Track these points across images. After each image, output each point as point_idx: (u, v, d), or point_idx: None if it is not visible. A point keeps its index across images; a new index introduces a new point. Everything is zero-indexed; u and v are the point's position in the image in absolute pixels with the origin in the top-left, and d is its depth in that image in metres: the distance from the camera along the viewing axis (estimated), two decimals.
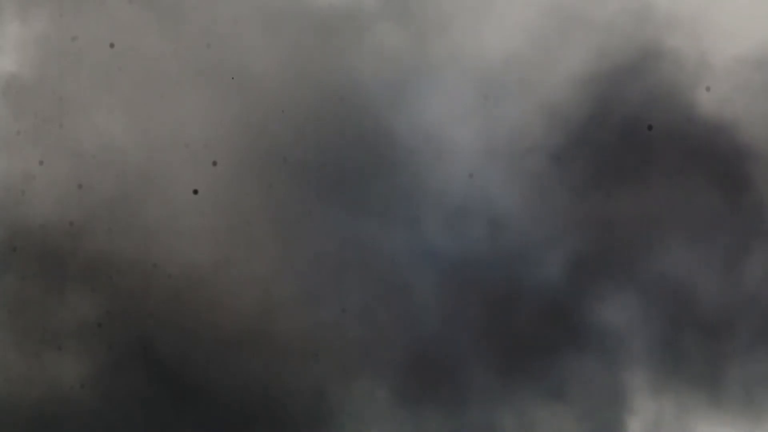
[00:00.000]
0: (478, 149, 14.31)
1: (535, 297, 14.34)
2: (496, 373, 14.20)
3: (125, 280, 14.34)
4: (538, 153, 14.39)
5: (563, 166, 14.36)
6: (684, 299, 14.35)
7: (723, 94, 14.43)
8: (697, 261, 14.34)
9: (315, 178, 14.36)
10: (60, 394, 14.21)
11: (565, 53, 14.45)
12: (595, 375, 14.22)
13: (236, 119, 14.35)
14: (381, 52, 14.38)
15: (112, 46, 14.59)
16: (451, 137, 14.33)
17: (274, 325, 14.18)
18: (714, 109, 14.46)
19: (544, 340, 14.25)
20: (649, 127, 14.47)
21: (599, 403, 14.21)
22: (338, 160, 14.31)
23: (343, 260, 14.25)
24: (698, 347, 14.27)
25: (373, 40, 14.43)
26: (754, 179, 14.45)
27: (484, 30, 14.47)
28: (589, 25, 14.46)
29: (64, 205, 14.43)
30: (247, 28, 14.45)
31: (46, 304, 14.33)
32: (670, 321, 14.30)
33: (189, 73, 14.43)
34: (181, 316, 14.30)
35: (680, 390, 14.26)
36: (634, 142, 14.37)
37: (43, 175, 14.47)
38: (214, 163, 14.41)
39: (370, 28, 14.44)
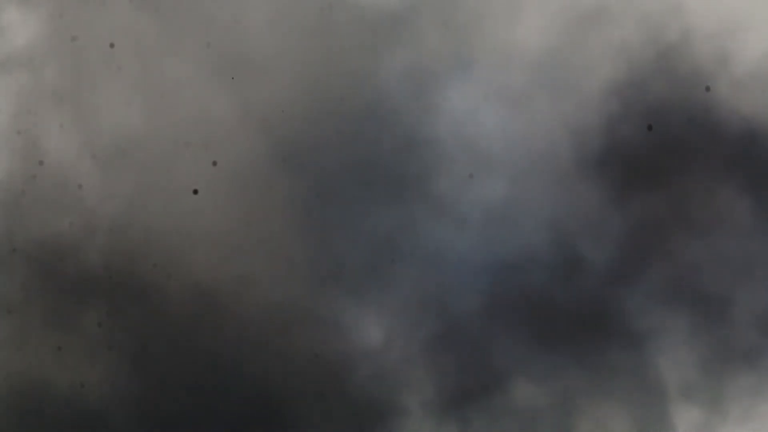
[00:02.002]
0: (510, 150, 14.30)
1: (578, 296, 14.40)
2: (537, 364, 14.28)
3: (125, 280, 14.33)
4: (575, 154, 14.39)
5: (602, 167, 14.38)
6: (722, 296, 14.40)
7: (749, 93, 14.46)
8: (736, 260, 14.38)
9: (346, 182, 14.36)
10: (60, 394, 14.21)
11: (598, 51, 14.44)
12: (639, 368, 14.28)
13: (267, 120, 14.32)
14: (415, 50, 14.37)
15: (112, 46, 14.58)
16: (483, 137, 14.34)
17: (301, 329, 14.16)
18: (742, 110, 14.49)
19: (587, 337, 14.31)
20: (649, 127, 14.47)
21: (645, 396, 14.28)
22: (371, 162, 14.31)
23: (382, 261, 14.28)
24: (740, 338, 14.32)
25: (406, 37, 14.42)
26: None
27: (519, 27, 14.46)
28: (620, 22, 14.45)
29: (64, 205, 14.42)
30: (279, 27, 14.42)
31: (46, 304, 14.33)
32: (711, 316, 14.35)
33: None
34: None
35: (723, 381, 14.32)
36: (665, 141, 14.38)
37: (43, 175, 14.46)
38: (214, 163, 14.41)
39: (403, 25, 14.43)
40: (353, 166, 14.35)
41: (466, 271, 14.26)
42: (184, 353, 14.22)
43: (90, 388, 14.25)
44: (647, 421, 14.09)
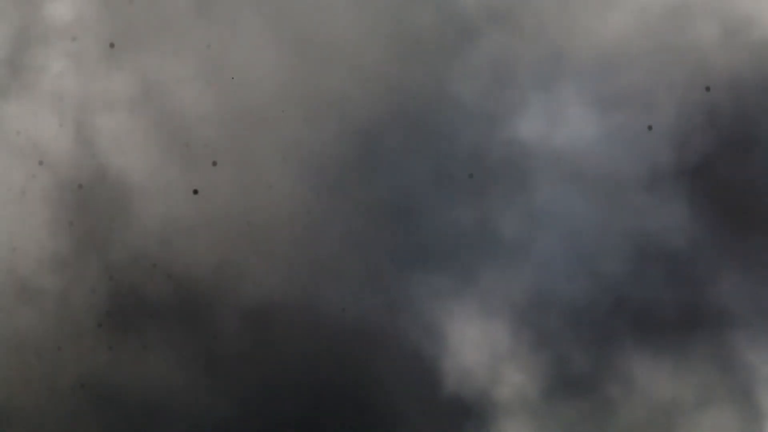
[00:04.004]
0: (597, 154, 14.31)
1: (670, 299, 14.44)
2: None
3: (125, 280, 14.34)
4: (666, 158, 14.40)
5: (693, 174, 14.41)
6: None
7: None
8: None
9: (436, 179, 14.33)
10: (60, 394, 14.22)
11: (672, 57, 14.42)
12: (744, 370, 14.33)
13: (338, 126, 14.25)
14: (484, 58, 14.35)
15: (112, 46, 14.60)
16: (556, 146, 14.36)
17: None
18: None
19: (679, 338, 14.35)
20: (649, 128, 14.46)
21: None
22: (456, 157, 14.30)
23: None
24: None
25: (475, 46, 14.39)
26: None
27: (586, 32, 14.43)
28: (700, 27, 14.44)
29: (64, 205, 14.43)
30: (350, 35, 14.35)
31: (45, 304, 14.34)
32: None
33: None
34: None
35: None
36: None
37: (43, 175, 14.47)
38: (214, 163, 14.42)
39: (472, 34, 14.40)
40: (440, 162, 14.33)
41: (556, 269, 14.30)
42: (288, 359, 14.04)
43: (90, 388, 14.28)
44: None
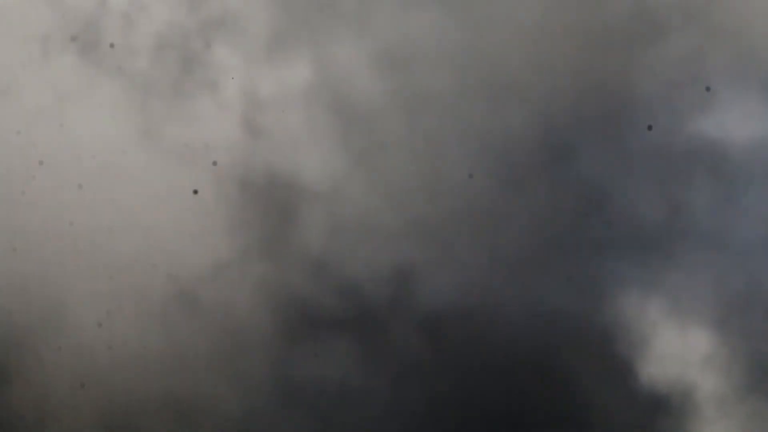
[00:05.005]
0: None
1: None
2: None
3: (125, 280, 14.33)
4: None
5: None
6: None
7: None
8: None
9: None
10: (59, 394, 14.23)
11: None
12: None
13: (523, 114, 13.95)
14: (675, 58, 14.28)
15: (112, 46, 14.60)
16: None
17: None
18: None
19: None
20: (649, 127, 14.44)
21: None
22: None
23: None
24: None
25: (665, 41, 14.30)
26: None
27: None
28: None
29: (64, 205, 14.43)
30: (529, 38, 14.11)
31: (45, 304, 14.35)
32: None
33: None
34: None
35: None
36: None
37: (43, 175, 14.47)
38: (214, 163, 14.40)
39: (663, 29, 14.32)
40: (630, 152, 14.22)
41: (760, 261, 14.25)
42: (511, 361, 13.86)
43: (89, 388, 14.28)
44: None
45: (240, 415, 13.67)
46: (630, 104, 14.22)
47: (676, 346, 14.18)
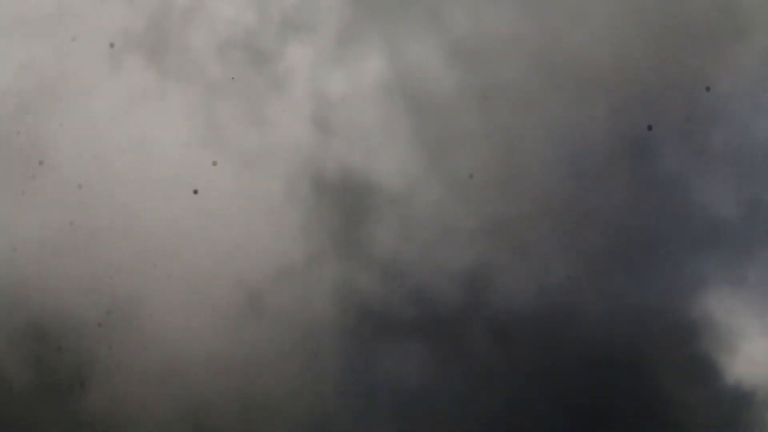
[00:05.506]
0: None
1: None
2: None
3: (125, 280, 14.34)
4: None
5: None
6: None
7: None
8: None
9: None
10: (59, 394, 14.24)
11: None
12: None
13: (603, 107, 13.76)
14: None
15: (112, 46, 14.62)
16: None
17: None
18: None
19: None
20: (649, 128, 14.44)
21: None
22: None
23: None
24: None
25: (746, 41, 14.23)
26: None
27: None
28: None
29: (64, 205, 14.43)
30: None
31: (45, 304, 14.35)
32: None
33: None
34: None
35: None
36: None
37: (43, 175, 14.48)
38: (214, 163, 14.43)
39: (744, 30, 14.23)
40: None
41: None
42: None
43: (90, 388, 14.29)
44: None
45: (315, 416, 13.52)
46: (710, 102, 14.03)
47: (761, 343, 14.12)
